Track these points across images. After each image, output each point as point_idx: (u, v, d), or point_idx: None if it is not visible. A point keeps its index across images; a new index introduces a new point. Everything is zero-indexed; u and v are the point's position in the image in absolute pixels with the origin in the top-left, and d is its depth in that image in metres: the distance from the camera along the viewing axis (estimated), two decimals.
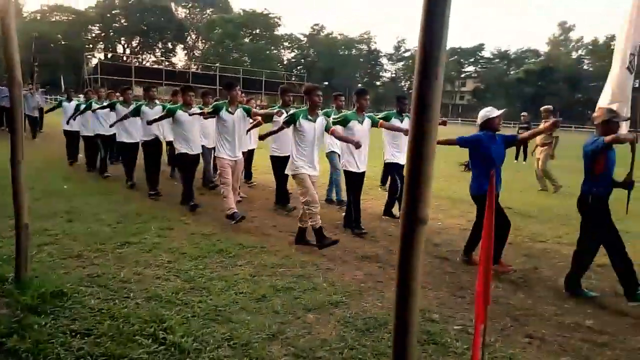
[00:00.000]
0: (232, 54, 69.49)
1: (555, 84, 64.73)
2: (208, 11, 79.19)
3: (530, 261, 4.90)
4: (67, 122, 9.47)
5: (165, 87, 57.96)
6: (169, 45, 77.42)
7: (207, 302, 3.44)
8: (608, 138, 3.65)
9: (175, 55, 78.74)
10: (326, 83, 69.74)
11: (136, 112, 7.32)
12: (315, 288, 3.83)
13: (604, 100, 4.07)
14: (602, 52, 66.29)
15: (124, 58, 66.84)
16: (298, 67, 75.33)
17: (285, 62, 76.58)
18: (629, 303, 3.75)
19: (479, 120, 4.50)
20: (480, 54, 77.67)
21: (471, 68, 78.92)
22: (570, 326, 3.38)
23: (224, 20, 69.48)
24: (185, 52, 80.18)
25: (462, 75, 77.59)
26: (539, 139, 9.65)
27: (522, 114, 15.75)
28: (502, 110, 4.54)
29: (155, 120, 6.77)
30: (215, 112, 5.89)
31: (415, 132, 0.97)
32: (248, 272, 4.12)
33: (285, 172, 5.18)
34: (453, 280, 4.24)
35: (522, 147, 14.63)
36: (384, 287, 3.97)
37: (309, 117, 4.98)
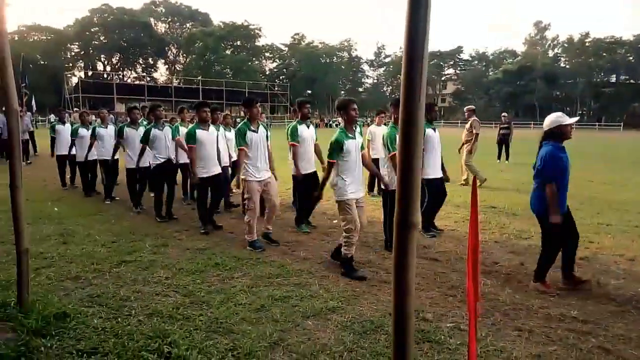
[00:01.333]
0: (214, 67, 69.56)
1: (533, 82, 66.08)
2: (188, 25, 79.33)
3: (516, 258, 5.09)
4: (87, 153, 8.59)
5: (147, 103, 57.75)
6: (150, 60, 77.28)
7: (207, 315, 3.54)
8: None
9: (156, 71, 78.75)
10: (309, 91, 70.20)
11: (146, 139, 6.81)
12: (312, 295, 3.95)
13: None
14: (578, 49, 68.07)
15: (105, 75, 66.54)
16: (280, 77, 75.70)
17: (267, 73, 76.92)
18: None
19: (548, 127, 4.10)
20: (459, 57, 79.15)
21: (451, 70, 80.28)
22: (556, 317, 3.55)
23: (204, 34, 69.59)
24: (167, 66, 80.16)
25: (443, 78, 78.88)
26: (464, 136, 10.24)
27: (503, 114, 16.10)
28: (575, 118, 4.26)
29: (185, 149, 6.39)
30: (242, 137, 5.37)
31: (404, 149, 1.11)
32: (245, 283, 4.23)
33: (336, 199, 4.65)
34: (443, 280, 4.39)
35: (504, 147, 15.00)
36: (378, 290, 4.11)
37: (349, 134, 4.60)
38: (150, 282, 4.26)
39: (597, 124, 58.13)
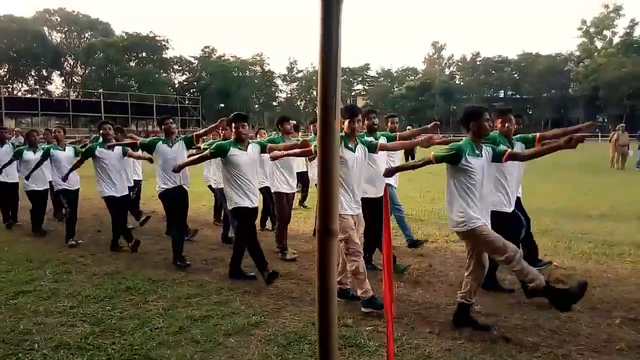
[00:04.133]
0: (117, 79, 65.57)
1: (433, 98, 71.27)
2: (86, 35, 74.08)
3: (425, 260, 5.44)
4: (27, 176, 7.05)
5: (41, 118, 52.82)
6: (44, 72, 70.81)
7: (121, 343, 3.35)
8: None
9: (51, 83, 72.28)
10: (222, 105, 68.96)
11: (150, 150, 5.50)
12: (234, 312, 3.90)
13: None
14: (470, 67, 74.88)
15: None
16: (191, 90, 73.42)
17: (176, 86, 74.20)
18: None
19: None
20: (367, 73, 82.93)
21: (360, 86, 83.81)
22: None
23: (105, 44, 65.35)
24: (63, 78, 73.98)
25: (353, 94, 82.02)
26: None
27: (408, 127, 17.22)
28: None
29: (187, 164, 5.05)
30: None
31: (324, 162, 1.19)
32: (161, 306, 4.05)
33: (461, 229, 3.54)
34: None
35: (410, 158, 16.01)
36: (299, 301, 4.17)
37: (476, 150, 3.54)
38: (53, 312, 3.92)
39: None
